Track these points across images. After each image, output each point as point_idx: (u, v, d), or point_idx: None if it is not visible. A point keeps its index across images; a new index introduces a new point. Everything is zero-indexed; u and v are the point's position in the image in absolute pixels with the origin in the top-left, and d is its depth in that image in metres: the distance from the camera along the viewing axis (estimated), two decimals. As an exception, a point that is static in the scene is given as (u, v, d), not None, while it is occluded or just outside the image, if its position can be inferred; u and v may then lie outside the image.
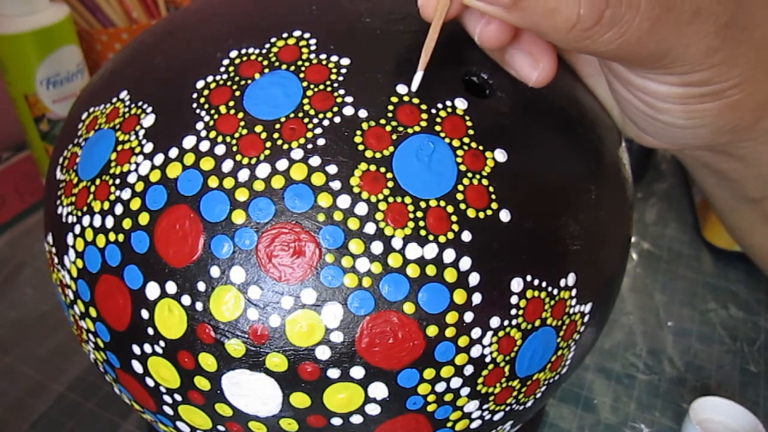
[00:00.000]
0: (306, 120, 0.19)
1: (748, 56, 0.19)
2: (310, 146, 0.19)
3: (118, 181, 0.20)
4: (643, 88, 0.21)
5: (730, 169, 0.25)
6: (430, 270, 0.18)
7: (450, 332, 0.19)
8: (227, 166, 0.19)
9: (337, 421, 0.20)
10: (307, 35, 0.20)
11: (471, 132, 0.20)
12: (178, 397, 0.21)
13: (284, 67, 0.20)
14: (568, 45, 0.18)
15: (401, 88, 0.20)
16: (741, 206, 0.28)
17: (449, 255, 0.18)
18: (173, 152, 0.19)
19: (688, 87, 0.20)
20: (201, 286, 0.19)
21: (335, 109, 0.19)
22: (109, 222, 0.20)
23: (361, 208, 0.18)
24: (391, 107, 0.19)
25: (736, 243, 0.31)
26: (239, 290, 0.18)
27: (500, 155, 0.20)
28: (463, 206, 0.19)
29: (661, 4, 0.17)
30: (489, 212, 0.19)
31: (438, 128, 0.19)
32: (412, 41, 0.21)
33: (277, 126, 0.19)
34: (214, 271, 0.18)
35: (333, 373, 0.19)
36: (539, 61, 0.20)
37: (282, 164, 0.18)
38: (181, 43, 0.22)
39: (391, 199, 0.18)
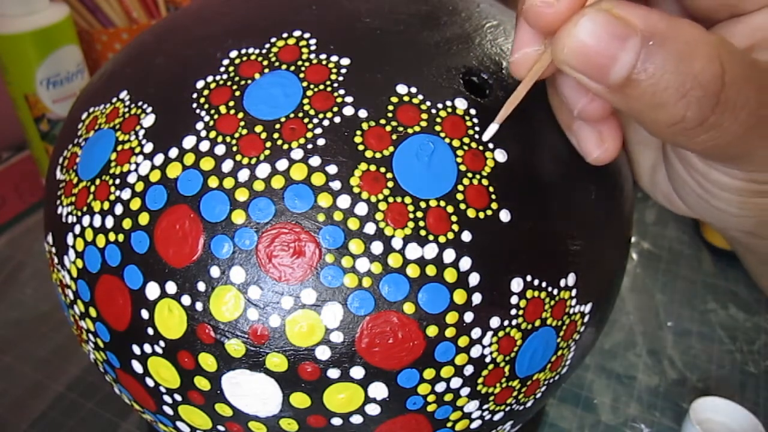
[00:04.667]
0: (306, 120, 0.19)
1: None
2: (310, 146, 0.19)
3: (118, 181, 0.20)
4: (705, 175, 0.21)
5: (758, 245, 0.25)
6: (430, 270, 0.18)
7: (450, 332, 0.19)
8: (227, 166, 0.19)
9: (337, 421, 0.20)
10: (307, 35, 0.20)
11: (471, 132, 0.20)
12: (178, 397, 0.21)
13: (284, 67, 0.20)
14: (658, 135, 0.18)
15: (401, 88, 0.20)
16: None
17: (449, 255, 0.18)
18: (173, 152, 0.19)
19: (751, 183, 0.20)
20: (201, 286, 0.19)
21: (335, 109, 0.19)
22: (109, 222, 0.20)
23: (361, 208, 0.18)
24: (391, 107, 0.19)
25: None
26: (239, 290, 0.18)
27: (500, 155, 0.20)
28: (463, 206, 0.19)
29: (757, 114, 0.17)
30: (489, 212, 0.19)
31: (438, 128, 0.19)
32: (413, 41, 0.21)
33: (277, 126, 0.19)
34: (214, 271, 0.18)
35: (333, 373, 0.19)
36: (605, 141, 0.20)
37: (282, 164, 0.18)
38: (181, 43, 0.22)
39: (391, 199, 0.18)
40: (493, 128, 0.19)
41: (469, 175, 0.19)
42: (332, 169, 0.18)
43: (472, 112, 0.20)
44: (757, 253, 0.26)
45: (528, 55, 0.18)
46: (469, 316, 0.19)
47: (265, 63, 0.20)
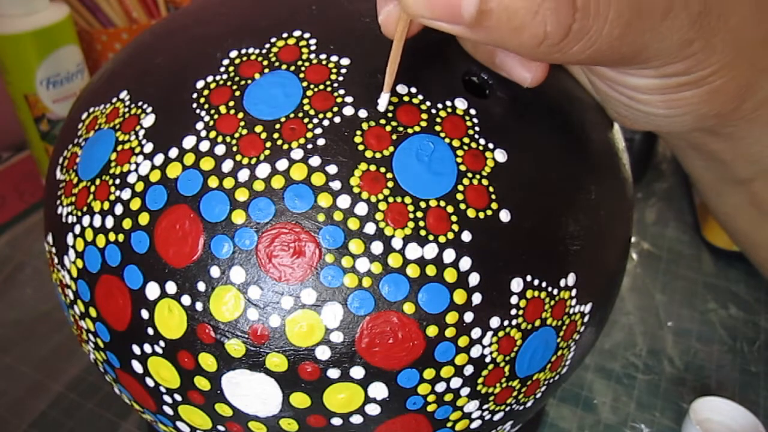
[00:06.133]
0: (306, 120, 0.19)
1: (726, 42, 0.19)
2: (310, 146, 0.19)
3: (118, 181, 0.20)
4: (620, 82, 0.20)
5: (719, 150, 0.24)
6: (430, 270, 0.18)
7: (450, 332, 0.19)
8: (227, 166, 0.19)
9: (337, 421, 0.20)
10: (307, 35, 0.20)
11: (471, 132, 0.20)
12: (178, 397, 0.21)
13: (284, 67, 0.20)
14: (537, 58, 0.18)
15: (401, 88, 0.20)
16: (728, 189, 0.27)
17: (449, 255, 0.18)
18: (173, 152, 0.19)
19: (666, 78, 0.19)
20: (201, 286, 0.19)
21: (335, 109, 0.19)
22: (109, 222, 0.20)
23: (361, 208, 0.18)
24: (391, 107, 0.19)
25: (722, 227, 0.31)
26: (239, 290, 0.18)
27: (500, 155, 0.20)
28: (463, 206, 0.19)
29: (631, 7, 0.16)
30: (489, 212, 0.19)
31: (438, 128, 0.19)
32: (412, 42, 0.21)
33: (277, 126, 0.19)
34: (214, 271, 0.18)
35: (333, 373, 0.19)
36: (530, 62, 0.20)
37: (282, 164, 0.18)
38: (181, 43, 0.22)
39: (391, 199, 0.18)
40: (385, 98, 0.19)
41: (469, 175, 0.19)
42: (332, 169, 0.18)
43: (472, 112, 0.20)
44: (719, 163, 0.25)
45: (392, 13, 0.18)
46: (469, 316, 0.19)
47: (265, 63, 0.20)
